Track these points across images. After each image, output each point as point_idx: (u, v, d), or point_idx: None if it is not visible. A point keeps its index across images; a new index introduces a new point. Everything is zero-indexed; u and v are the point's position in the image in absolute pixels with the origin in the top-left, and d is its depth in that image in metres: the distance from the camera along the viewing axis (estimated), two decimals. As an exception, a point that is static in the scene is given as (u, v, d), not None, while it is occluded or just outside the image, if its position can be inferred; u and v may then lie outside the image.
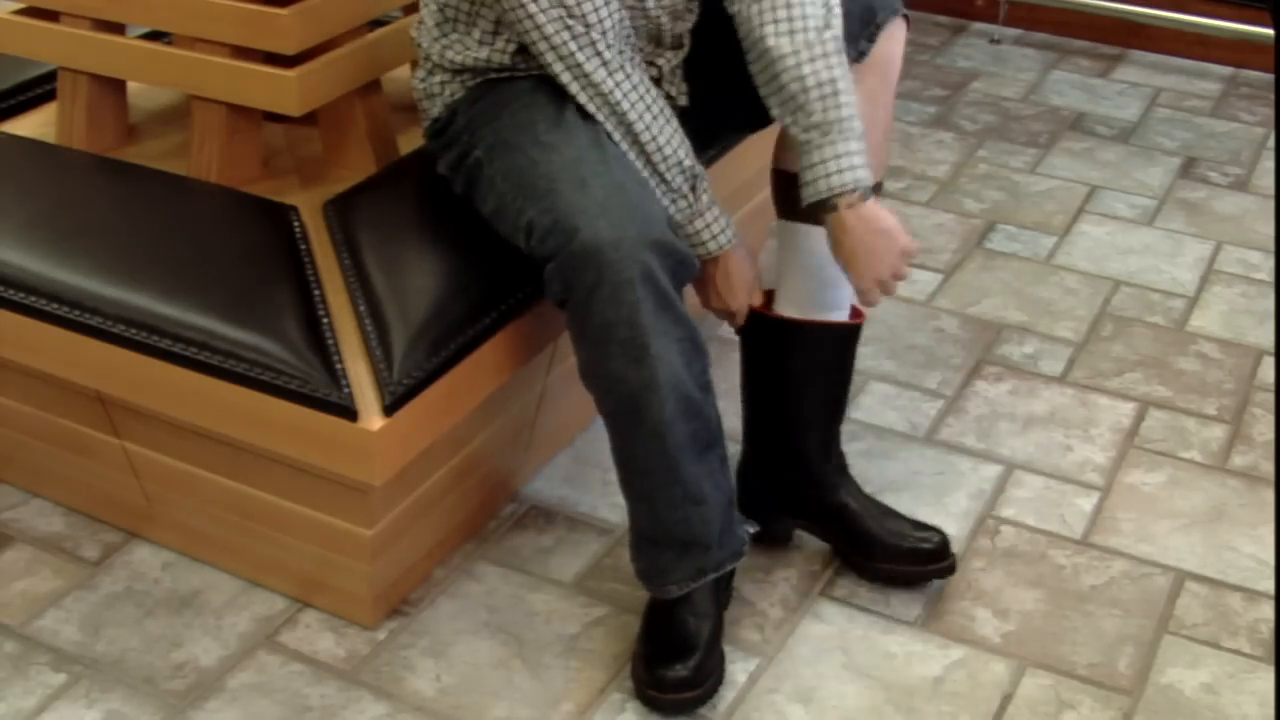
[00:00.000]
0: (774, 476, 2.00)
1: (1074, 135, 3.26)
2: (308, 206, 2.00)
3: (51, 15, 2.11)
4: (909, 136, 3.23)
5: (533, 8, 1.68)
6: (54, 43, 2.11)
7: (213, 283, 1.81)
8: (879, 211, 1.74)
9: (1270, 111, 3.39)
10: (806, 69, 1.72)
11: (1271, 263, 2.76)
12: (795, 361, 1.93)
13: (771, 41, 1.74)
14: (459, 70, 1.84)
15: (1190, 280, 2.70)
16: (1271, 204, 2.97)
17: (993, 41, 3.76)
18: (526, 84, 1.81)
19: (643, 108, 1.74)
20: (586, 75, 1.72)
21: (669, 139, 1.76)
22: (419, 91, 1.92)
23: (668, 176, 1.76)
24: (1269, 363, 2.46)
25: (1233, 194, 3.02)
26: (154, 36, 2.21)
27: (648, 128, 1.74)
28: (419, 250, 1.86)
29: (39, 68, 2.32)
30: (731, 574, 1.85)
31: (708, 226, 1.81)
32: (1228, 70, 3.61)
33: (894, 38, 1.86)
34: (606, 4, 1.70)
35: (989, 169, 3.11)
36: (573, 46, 1.71)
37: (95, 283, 1.81)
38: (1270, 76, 3.56)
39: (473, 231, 1.85)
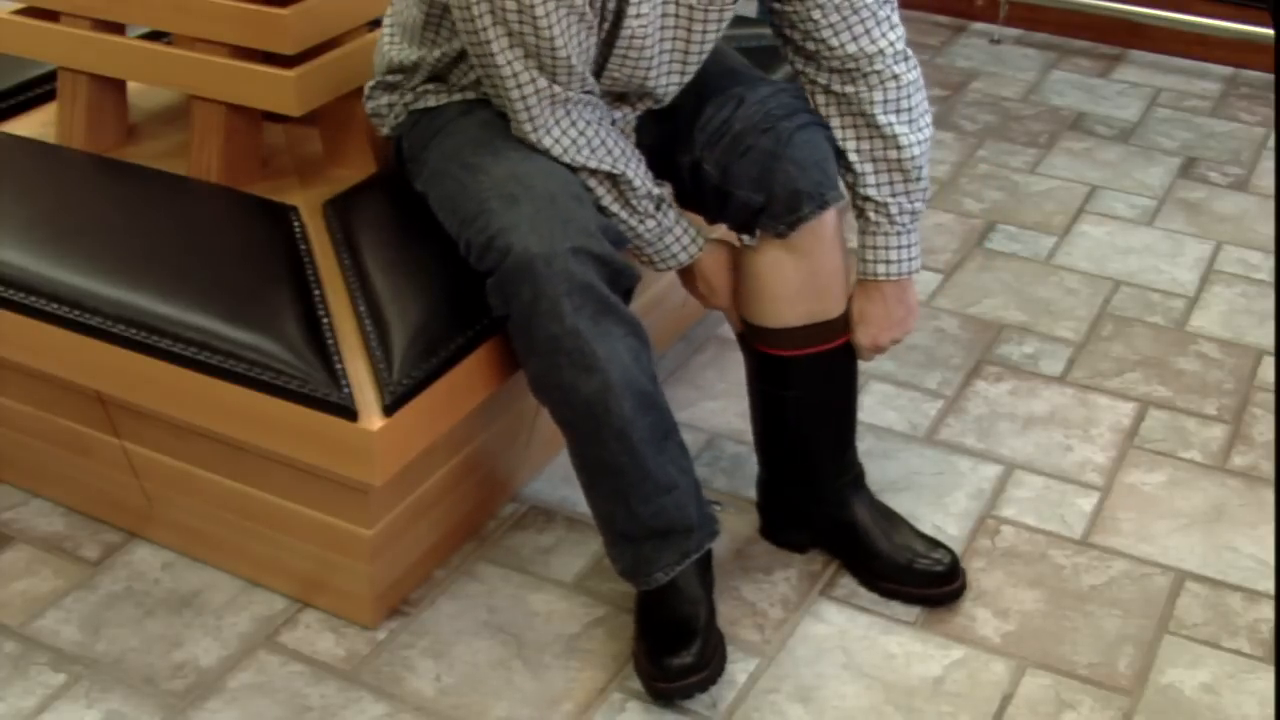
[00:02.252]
0: (782, 491, 2.01)
1: (1074, 135, 3.26)
2: (308, 206, 2.00)
3: (51, 15, 2.11)
4: (909, 136, 3.23)
5: (500, 58, 1.67)
6: (54, 43, 2.11)
7: (213, 283, 1.81)
8: (912, 289, 1.89)
9: (1270, 111, 3.39)
10: (920, 158, 1.85)
11: (1271, 263, 2.76)
12: (791, 391, 1.93)
13: (882, 120, 1.83)
14: (415, 69, 1.85)
15: (1190, 280, 2.70)
16: (1271, 204, 2.97)
17: (993, 41, 3.76)
18: (453, 110, 1.84)
19: (604, 152, 1.75)
20: (534, 138, 1.73)
21: (634, 171, 1.77)
22: (368, 107, 1.95)
23: (635, 204, 1.78)
24: (1269, 363, 2.46)
25: (1233, 194, 3.02)
26: (154, 36, 2.21)
27: (614, 166, 1.75)
28: (419, 250, 1.86)
29: (39, 68, 2.32)
30: (710, 555, 1.85)
31: (676, 240, 1.84)
32: (1228, 70, 3.61)
33: (822, 221, 1.80)
34: (583, 79, 1.71)
35: (989, 169, 3.11)
36: (520, 105, 1.71)
37: (95, 283, 1.81)
38: (1270, 76, 3.56)
39: (473, 231, 1.85)
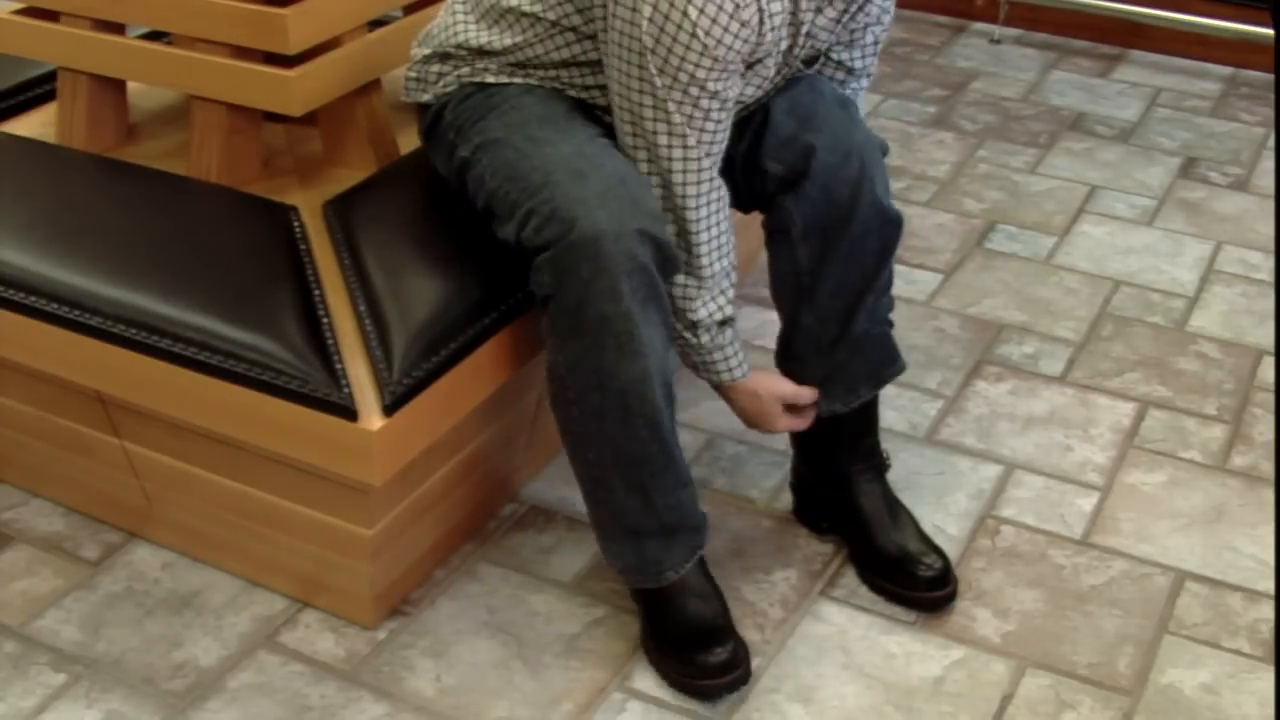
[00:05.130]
0: (802, 472, 2.04)
1: (1074, 135, 3.26)
2: (308, 206, 2.00)
3: (51, 15, 2.11)
4: (909, 136, 3.23)
5: (719, 102, 1.66)
6: (54, 43, 2.11)
7: (213, 283, 1.81)
8: None
9: (1270, 111, 3.39)
10: None
11: (1271, 263, 2.76)
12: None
13: None
14: (483, 53, 1.82)
15: (1190, 280, 2.70)
16: (1271, 204, 2.97)
17: (993, 41, 3.76)
18: (515, 89, 1.82)
19: (728, 261, 1.77)
20: (681, 197, 1.72)
21: (727, 267, 1.78)
22: (412, 72, 1.91)
23: (716, 297, 1.78)
24: (1269, 363, 2.46)
25: (1233, 194, 3.02)
26: (154, 36, 2.21)
27: (710, 253, 1.75)
28: (419, 250, 1.86)
29: (39, 68, 2.32)
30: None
31: (726, 360, 1.83)
32: (1228, 70, 3.61)
33: None
34: (724, 129, 1.71)
35: (989, 169, 3.11)
36: (680, 167, 1.70)
37: (95, 283, 1.81)
38: (1270, 76, 3.56)
39: (473, 231, 1.85)
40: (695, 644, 1.78)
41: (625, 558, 1.79)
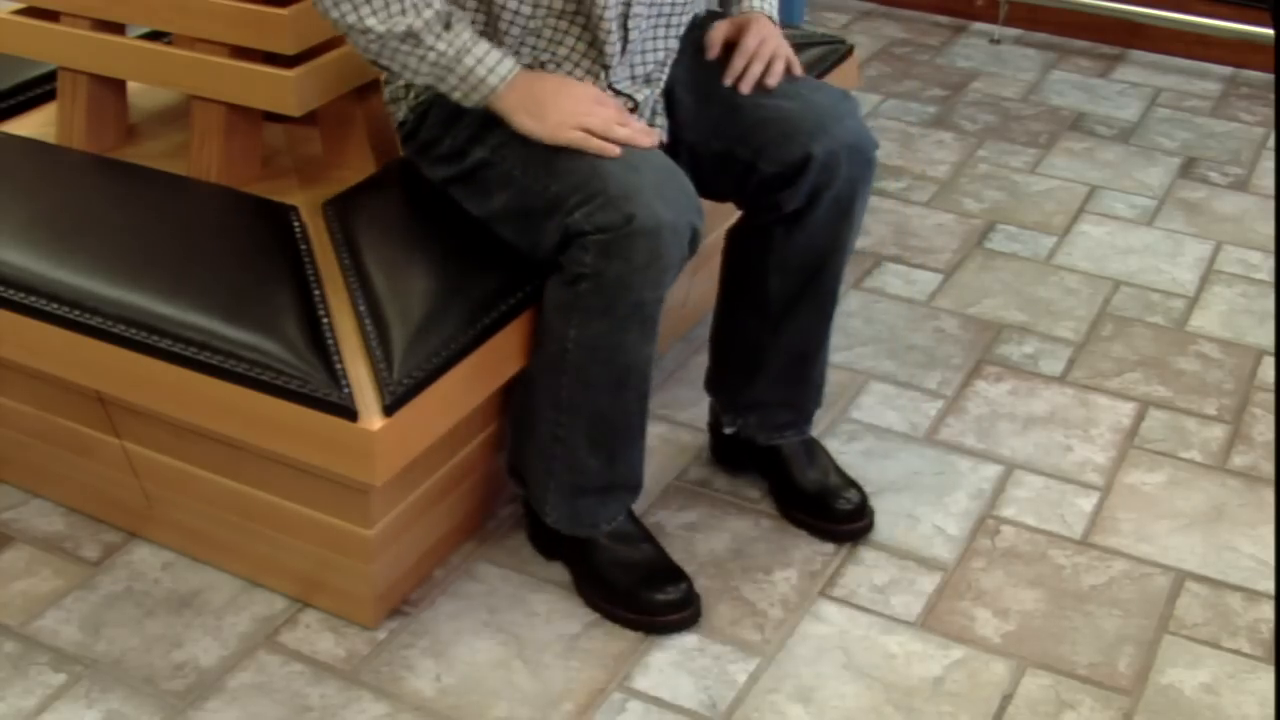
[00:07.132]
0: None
1: (1074, 135, 3.26)
2: (308, 206, 2.00)
3: (51, 15, 2.11)
4: (909, 136, 3.23)
5: None
6: (54, 43, 2.11)
7: (213, 283, 1.81)
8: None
9: (1270, 111, 3.39)
10: None
11: (1271, 263, 2.76)
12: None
13: None
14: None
15: (1190, 280, 2.70)
16: (1271, 204, 2.97)
17: (993, 41, 3.76)
18: None
19: None
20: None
21: None
22: (386, 94, 1.93)
23: (423, 13, 1.65)
24: (1269, 363, 2.46)
25: (1233, 194, 3.02)
26: (154, 36, 2.21)
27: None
28: (419, 250, 1.86)
29: (39, 68, 2.32)
30: None
31: (480, 61, 1.67)
32: (1228, 70, 3.61)
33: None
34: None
35: (989, 169, 3.11)
36: None
37: (95, 283, 1.81)
38: (1270, 76, 3.56)
39: (473, 231, 1.85)
40: (648, 584, 1.86)
41: (561, 509, 1.86)
